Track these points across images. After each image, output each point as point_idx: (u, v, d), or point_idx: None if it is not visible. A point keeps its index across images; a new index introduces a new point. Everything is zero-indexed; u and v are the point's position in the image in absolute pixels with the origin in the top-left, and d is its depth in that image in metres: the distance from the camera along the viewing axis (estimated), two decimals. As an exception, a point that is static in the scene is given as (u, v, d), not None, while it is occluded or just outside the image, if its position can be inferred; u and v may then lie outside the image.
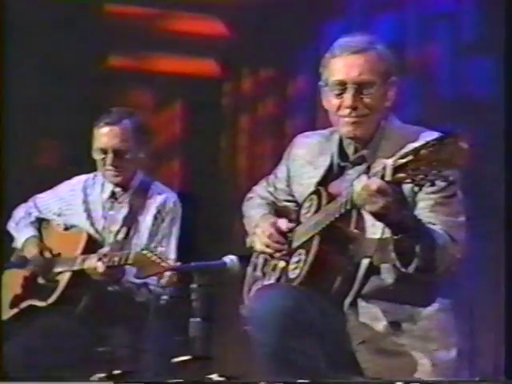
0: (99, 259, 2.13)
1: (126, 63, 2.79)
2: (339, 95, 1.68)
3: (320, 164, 1.75)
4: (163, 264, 2.03)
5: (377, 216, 1.55)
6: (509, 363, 2.11)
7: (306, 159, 1.78)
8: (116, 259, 2.12)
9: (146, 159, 2.32)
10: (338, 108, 1.69)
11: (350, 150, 1.73)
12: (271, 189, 1.87)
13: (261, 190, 1.90)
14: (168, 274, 2.07)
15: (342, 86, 1.68)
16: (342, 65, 1.68)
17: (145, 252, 2.07)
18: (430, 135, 1.50)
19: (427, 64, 2.53)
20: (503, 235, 2.27)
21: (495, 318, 2.23)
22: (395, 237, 1.56)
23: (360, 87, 1.67)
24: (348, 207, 1.60)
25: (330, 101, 1.71)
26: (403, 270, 1.58)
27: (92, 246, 2.24)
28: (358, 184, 1.54)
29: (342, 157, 1.74)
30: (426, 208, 1.63)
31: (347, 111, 1.68)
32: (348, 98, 1.67)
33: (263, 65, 2.74)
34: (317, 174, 1.74)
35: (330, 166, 1.74)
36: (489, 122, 2.45)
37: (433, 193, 1.62)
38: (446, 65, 2.51)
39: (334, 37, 2.55)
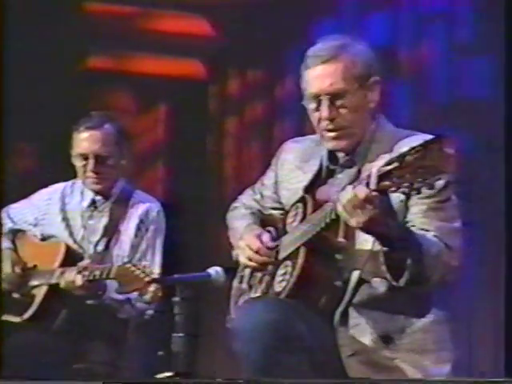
0: (79, 272, 2.14)
1: (107, 64, 2.82)
2: (317, 108, 1.72)
3: (309, 168, 1.78)
4: (147, 279, 2.03)
5: (363, 229, 1.57)
6: (508, 363, 2.14)
7: (295, 164, 1.81)
8: (97, 273, 2.13)
9: (129, 166, 2.34)
10: (319, 121, 1.73)
11: (340, 154, 1.77)
12: (257, 197, 1.91)
13: (246, 198, 1.93)
14: (152, 289, 2.07)
15: (317, 98, 1.71)
16: (314, 76, 1.71)
17: (128, 266, 2.07)
18: (418, 140, 1.51)
19: (421, 65, 2.58)
20: (504, 241, 2.32)
21: (494, 318, 2.27)
22: (384, 249, 1.58)
23: (334, 98, 1.70)
24: (333, 217, 1.62)
25: (311, 114, 1.74)
26: (394, 283, 1.60)
27: (71, 257, 2.26)
28: (343, 196, 1.56)
29: (332, 160, 1.77)
30: (418, 213, 1.65)
31: (325, 123, 1.72)
32: (323, 110, 1.70)
33: (251, 66, 2.78)
34: (305, 179, 1.77)
35: (319, 170, 1.77)
36: (486, 126, 2.50)
37: (426, 197, 1.64)
38: (441, 66, 2.56)
39: (325, 37, 2.59)
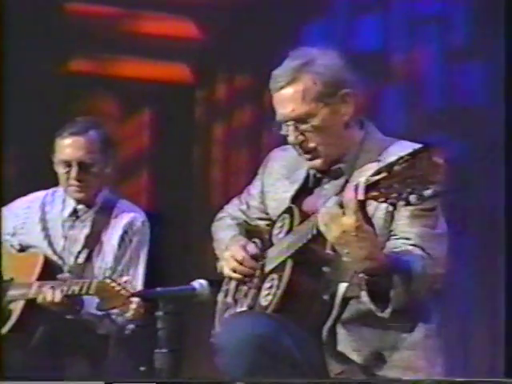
0: (57, 287, 2.14)
1: (89, 67, 2.83)
2: (286, 133, 1.74)
3: (296, 178, 1.81)
4: (128, 295, 2.04)
5: (338, 240, 1.57)
6: (508, 363, 2.18)
7: (281, 173, 1.84)
8: (76, 288, 2.13)
9: (113, 174, 2.36)
10: (293, 145, 1.76)
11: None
12: (243, 207, 1.93)
13: (232, 208, 1.95)
14: (134, 306, 2.07)
15: (284, 124, 1.74)
16: (277, 102, 1.74)
17: (108, 281, 2.08)
18: (406, 148, 1.53)
19: (415, 70, 2.60)
20: (504, 248, 2.35)
21: (494, 318, 2.30)
22: (366, 276, 1.60)
23: (298, 122, 1.72)
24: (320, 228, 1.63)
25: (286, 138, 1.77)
26: (379, 314, 1.62)
27: (50, 269, 2.26)
28: (324, 209, 1.59)
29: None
30: (400, 220, 1.67)
31: (297, 148, 1.75)
32: (290, 135, 1.73)
33: (239, 70, 2.81)
34: (292, 188, 1.80)
35: (306, 179, 1.79)
36: (483, 134, 2.53)
37: (410, 205, 1.63)
38: (436, 71, 2.59)
39: (316, 40, 2.63)
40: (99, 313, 2.17)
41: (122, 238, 2.29)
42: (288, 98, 1.71)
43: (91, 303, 2.16)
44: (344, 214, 1.55)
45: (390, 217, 1.68)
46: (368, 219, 1.59)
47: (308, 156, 1.74)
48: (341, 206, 1.56)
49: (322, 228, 1.59)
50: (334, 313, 1.69)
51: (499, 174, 2.40)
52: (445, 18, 2.60)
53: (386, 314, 1.61)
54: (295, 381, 1.62)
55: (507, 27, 2.44)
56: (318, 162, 1.74)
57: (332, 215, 1.57)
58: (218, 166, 2.83)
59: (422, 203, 1.58)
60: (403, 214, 1.67)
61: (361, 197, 1.53)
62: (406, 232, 1.67)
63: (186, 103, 2.82)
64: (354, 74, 1.76)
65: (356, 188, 1.54)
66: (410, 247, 1.66)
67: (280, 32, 2.67)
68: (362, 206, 1.55)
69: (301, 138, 1.72)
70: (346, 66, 1.75)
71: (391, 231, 1.69)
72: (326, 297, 1.70)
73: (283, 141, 1.86)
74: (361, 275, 1.60)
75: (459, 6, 2.60)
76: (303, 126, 1.72)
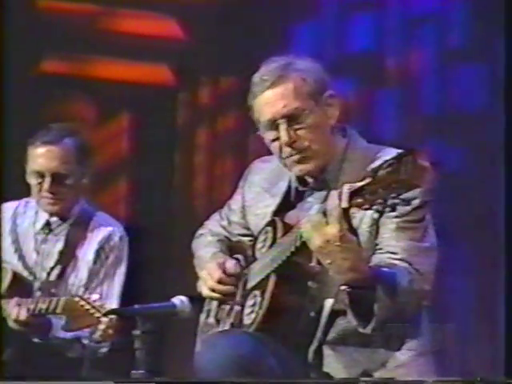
0: (23, 305, 2.15)
1: (64, 68, 2.85)
2: (274, 136, 1.77)
3: (277, 191, 1.84)
4: (97, 315, 2.04)
5: (321, 249, 1.59)
6: (508, 363, 2.24)
7: (262, 186, 1.87)
8: (43, 306, 2.14)
9: (90, 185, 2.37)
10: (280, 150, 1.78)
11: (309, 178, 1.81)
12: (224, 223, 1.96)
13: (213, 224, 1.98)
14: (102, 327, 2.06)
15: (272, 125, 1.77)
16: (265, 103, 1.77)
17: (76, 299, 2.08)
18: (391, 153, 1.57)
19: (410, 73, 2.65)
20: (503, 260, 2.39)
21: (494, 318, 2.35)
22: (348, 289, 1.62)
23: (291, 120, 1.75)
24: (304, 239, 1.66)
25: (270, 144, 1.79)
26: (361, 330, 1.64)
27: (19, 285, 2.28)
28: (308, 215, 1.61)
29: (301, 181, 1.82)
30: (386, 233, 1.70)
31: (288, 150, 1.76)
32: (283, 135, 1.75)
33: (224, 72, 2.84)
34: (273, 203, 1.83)
35: (288, 193, 1.82)
36: (481, 139, 2.58)
37: (396, 217, 1.69)
38: (432, 74, 2.63)
39: (306, 40, 2.68)
40: (68, 335, 2.17)
41: (98, 254, 2.30)
42: (278, 95, 1.74)
43: (59, 325, 2.16)
44: (327, 222, 1.58)
45: (376, 230, 1.71)
46: (352, 229, 1.63)
47: (298, 158, 1.75)
48: (324, 214, 1.59)
49: (305, 236, 1.62)
50: (320, 331, 1.72)
51: (499, 180, 2.44)
52: (442, 17, 2.65)
53: (368, 329, 1.64)
54: (295, 381, 1.65)
55: (507, 26, 2.48)
56: (309, 166, 1.76)
57: (315, 223, 1.60)
58: (202, 173, 2.86)
59: (405, 212, 1.62)
60: (389, 226, 1.70)
61: (345, 204, 1.55)
62: (391, 246, 1.70)
63: (168, 107, 2.85)
64: (333, 78, 1.81)
65: (340, 195, 1.57)
66: (397, 261, 1.69)
67: (267, 32, 2.71)
68: (346, 214, 1.58)
69: (293, 136, 1.74)
70: (324, 69, 1.80)
71: (377, 245, 1.72)
72: (312, 313, 1.73)
73: (268, 148, 1.91)
74: (343, 287, 1.63)
75: (457, 4, 2.64)
76: (296, 124, 1.74)
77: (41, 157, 2.29)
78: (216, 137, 2.87)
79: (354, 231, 1.64)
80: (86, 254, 2.32)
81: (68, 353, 2.20)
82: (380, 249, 1.72)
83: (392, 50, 2.66)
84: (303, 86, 1.75)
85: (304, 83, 1.76)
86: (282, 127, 1.76)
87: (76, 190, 2.32)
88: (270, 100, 1.76)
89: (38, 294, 2.26)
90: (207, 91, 2.86)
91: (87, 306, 2.07)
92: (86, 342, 2.20)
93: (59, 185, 2.29)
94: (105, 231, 2.33)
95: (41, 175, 2.30)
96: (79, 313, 2.07)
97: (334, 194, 1.60)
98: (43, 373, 2.17)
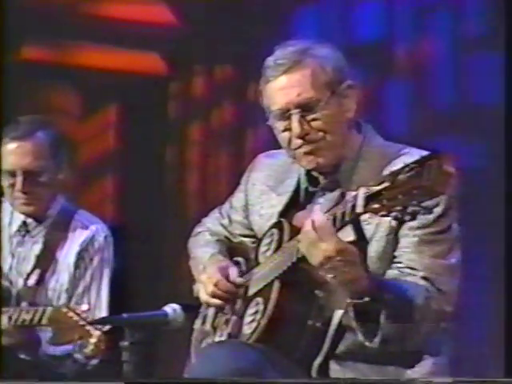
0: (4, 313, 2.13)
1: (45, 55, 2.82)
2: (285, 127, 1.73)
3: (284, 190, 1.80)
4: (88, 327, 2.00)
5: (322, 264, 1.58)
6: (508, 363, 2.25)
7: (267, 184, 1.84)
8: (27, 317, 2.10)
9: (69, 181, 2.33)
10: (289, 141, 1.75)
11: (320, 176, 1.78)
12: (225, 221, 1.92)
13: (212, 222, 1.94)
14: (94, 340, 2.02)
15: (284, 114, 1.73)
16: (278, 89, 1.73)
17: (64, 310, 2.04)
18: (413, 156, 1.53)
19: (421, 64, 2.62)
20: (503, 241, 2.38)
21: (494, 317, 2.35)
22: (354, 301, 1.60)
23: (305, 110, 1.72)
24: None
25: (279, 135, 1.76)
26: (367, 344, 1.62)
27: (-4, 292, 2.26)
28: (305, 227, 1.59)
29: (312, 181, 1.78)
30: (407, 247, 1.67)
31: (299, 142, 1.73)
32: (294, 126, 1.72)
33: (219, 61, 2.81)
34: (280, 202, 1.79)
35: (296, 192, 1.79)
36: (498, 136, 2.56)
37: (419, 228, 1.66)
38: (445, 65, 2.60)
39: (309, 27, 2.64)
40: (59, 352, 2.13)
41: (81, 256, 2.26)
42: (294, 82, 1.72)
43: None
44: (321, 239, 1.56)
45: (394, 239, 1.67)
46: (359, 236, 1.60)
47: (309, 150, 1.72)
48: (314, 229, 1.57)
49: (304, 252, 1.60)
50: (327, 344, 1.69)
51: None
52: (456, 3, 2.63)
53: (375, 343, 1.61)
54: (295, 381, 1.62)
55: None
56: (321, 160, 1.73)
57: (310, 240, 1.58)
58: (196, 171, 2.83)
59: (428, 222, 1.58)
60: (410, 239, 1.67)
61: (360, 209, 1.52)
62: (412, 261, 1.66)
63: (158, 98, 2.82)
64: (352, 67, 1.78)
65: (354, 199, 1.54)
66: (417, 279, 1.66)
67: (267, 18, 2.69)
68: (356, 220, 1.56)
69: (307, 128, 1.72)
70: (344, 58, 1.77)
71: (395, 257, 1.68)
72: (318, 324, 1.70)
73: (271, 142, 1.87)
74: (348, 300, 1.61)
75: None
76: (311, 115, 1.72)
77: (11, 154, 2.24)
78: (211, 131, 2.84)
79: (360, 238, 1.61)
80: (67, 256, 2.28)
81: (59, 369, 2.16)
82: (399, 262, 1.68)
83: (403, 39, 2.63)
84: (321, 74, 1.73)
85: (322, 71, 1.73)
86: (295, 118, 1.72)
87: (52, 187, 2.28)
88: (283, 86, 1.73)
89: (16, 301, 2.21)
90: (201, 81, 2.83)
91: (76, 318, 2.03)
92: (77, 356, 2.15)
93: (33, 183, 2.24)
94: (88, 231, 2.29)
95: (12, 174, 2.25)
96: (67, 325, 2.03)
97: (348, 198, 1.56)
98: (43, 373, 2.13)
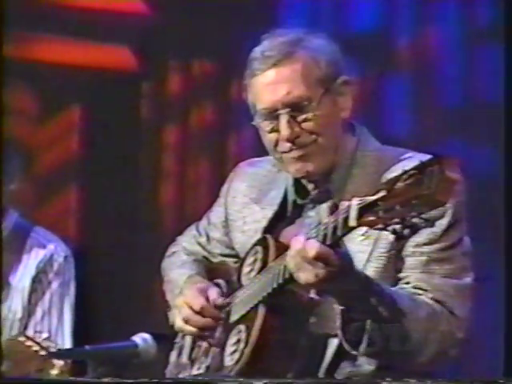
0: None
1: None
2: (272, 128, 1.72)
3: (269, 203, 1.79)
4: (47, 356, 2.01)
5: (313, 286, 1.58)
6: (508, 363, 2.30)
7: (250, 197, 1.82)
8: None
9: (23, 193, 2.35)
10: (276, 143, 1.73)
11: (310, 185, 1.77)
12: (203, 239, 1.91)
13: (188, 241, 1.93)
14: (55, 372, 2.04)
15: (272, 114, 1.72)
16: (265, 85, 1.71)
17: (22, 339, 2.03)
18: (413, 161, 1.50)
19: (426, 57, 2.62)
20: (503, 260, 2.38)
21: (494, 317, 2.37)
22: (341, 307, 1.59)
23: (294, 110, 1.70)
24: None
25: (264, 136, 1.74)
26: (353, 352, 1.61)
27: None
28: (293, 244, 1.57)
29: (300, 192, 1.77)
30: (416, 268, 1.66)
31: (287, 145, 1.71)
32: (283, 127, 1.70)
33: (197, 56, 2.80)
34: (264, 217, 1.78)
35: (283, 205, 1.78)
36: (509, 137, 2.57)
37: (425, 244, 1.65)
38: (452, 58, 2.60)
39: (299, 17, 2.64)
40: None
41: (38, 279, 2.27)
42: (282, 77, 1.71)
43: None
44: (310, 264, 1.54)
45: (395, 256, 1.66)
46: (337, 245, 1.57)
47: (297, 154, 1.71)
48: (305, 247, 1.55)
49: (294, 274, 1.59)
50: (322, 374, 1.68)
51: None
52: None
53: (361, 351, 1.59)
54: (295, 381, 1.63)
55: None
56: (310, 165, 1.72)
57: (297, 263, 1.56)
58: (171, 180, 2.83)
59: (435, 237, 1.57)
60: (418, 258, 1.66)
61: (353, 222, 1.51)
62: (421, 281, 1.66)
63: (129, 97, 2.81)
64: (349, 61, 1.77)
65: (347, 211, 1.52)
66: (429, 301, 1.65)
67: (251, 7, 2.69)
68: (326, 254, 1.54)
69: (297, 131, 1.70)
70: (341, 51, 1.76)
71: (400, 279, 1.68)
72: (309, 354, 1.69)
73: (257, 148, 1.87)
74: (335, 306, 1.59)
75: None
76: (301, 116, 1.70)
77: None
78: (189, 135, 2.83)
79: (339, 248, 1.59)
80: (22, 279, 2.28)
81: None
82: (406, 283, 1.68)
83: (405, 29, 2.63)
84: (313, 69, 1.71)
85: (315, 65, 1.71)
86: (283, 119, 1.71)
87: (2, 200, 2.28)
88: (271, 82, 1.71)
89: None
90: (177, 78, 2.82)
91: (36, 347, 2.02)
92: None
93: None
94: (45, 250, 2.30)
95: None
96: (25, 355, 2.02)
97: (341, 210, 1.54)
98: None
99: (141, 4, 2.84)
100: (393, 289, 1.64)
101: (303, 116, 1.70)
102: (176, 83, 2.81)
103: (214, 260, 1.90)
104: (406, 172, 1.46)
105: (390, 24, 2.64)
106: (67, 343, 2.19)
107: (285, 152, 1.73)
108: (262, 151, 1.87)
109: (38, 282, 2.27)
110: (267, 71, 1.71)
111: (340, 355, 1.68)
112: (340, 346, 1.67)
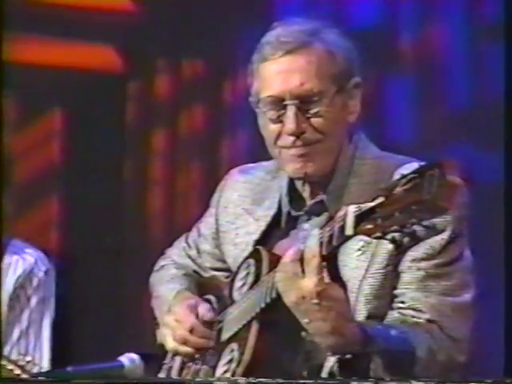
0: None
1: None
2: (277, 118, 1.71)
3: (263, 213, 1.80)
4: (31, 379, 2.02)
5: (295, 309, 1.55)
6: (508, 363, 2.34)
7: (243, 207, 1.83)
8: None
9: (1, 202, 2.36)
10: (278, 136, 1.73)
11: (306, 193, 1.78)
12: (192, 252, 1.92)
13: (178, 254, 1.94)
14: None
15: (279, 103, 1.71)
16: (276, 72, 1.70)
17: (4, 363, 2.04)
18: (412, 166, 1.50)
19: (430, 56, 2.63)
20: (503, 260, 2.40)
21: (494, 317, 2.39)
22: (334, 355, 1.58)
23: (304, 102, 1.70)
24: None
25: (265, 126, 1.74)
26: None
27: None
28: (284, 259, 1.57)
29: (295, 202, 1.78)
30: (411, 284, 1.65)
31: (290, 140, 1.71)
32: (289, 120, 1.69)
33: (186, 55, 2.81)
34: (257, 229, 1.79)
35: (277, 216, 1.78)
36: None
37: (423, 259, 1.65)
38: (459, 57, 2.62)
39: (294, 14, 2.67)
40: None
41: (16, 296, 2.28)
42: (297, 67, 1.70)
43: None
44: (304, 272, 1.54)
45: (393, 275, 1.66)
46: (338, 278, 1.58)
47: (301, 152, 1.69)
48: (301, 261, 1.55)
49: (280, 287, 1.59)
50: None
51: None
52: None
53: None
54: (295, 381, 1.63)
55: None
56: (313, 168, 1.71)
57: (289, 274, 1.56)
58: (160, 188, 2.84)
59: (434, 252, 1.56)
60: (414, 274, 1.65)
61: (350, 231, 1.50)
62: (416, 301, 1.65)
63: (114, 100, 2.82)
64: (362, 61, 1.77)
65: (343, 219, 1.52)
66: (424, 324, 1.64)
67: (243, 6, 2.71)
68: (328, 262, 1.54)
69: (304, 126, 1.69)
70: (356, 49, 1.76)
71: (396, 296, 1.68)
72: (304, 373, 1.70)
73: (252, 153, 1.87)
74: (328, 353, 1.60)
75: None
76: (311, 110, 1.69)
77: None
78: (178, 140, 2.84)
79: (339, 281, 1.60)
80: (-1, 297, 2.30)
81: None
82: (401, 302, 1.68)
83: (408, 27, 2.65)
84: (329, 64, 1.70)
85: (331, 60, 1.70)
86: (290, 110, 1.69)
87: None
88: (283, 70, 1.69)
89: None
90: (165, 79, 2.84)
91: (17, 371, 2.04)
92: None
93: None
94: (24, 265, 2.30)
95: None
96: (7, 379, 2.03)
97: (337, 217, 1.54)
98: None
99: (126, 1, 2.86)
100: (389, 331, 1.62)
101: (313, 111, 1.69)
102: (164, 84, 2.83)
103: (205, 274, 1.91)
104: (404, 176, 1.46)
105: (394, 23, 2.65)
106: (45, 364, 2.20)
107: (285, 147, 1.72)
108: (256, 156, 1.89)
109: (16, 299, 2.27)
110: (281, 58, 1.70)
111: (336, 375, 1.66)
112: (338, 362, 1.65)
